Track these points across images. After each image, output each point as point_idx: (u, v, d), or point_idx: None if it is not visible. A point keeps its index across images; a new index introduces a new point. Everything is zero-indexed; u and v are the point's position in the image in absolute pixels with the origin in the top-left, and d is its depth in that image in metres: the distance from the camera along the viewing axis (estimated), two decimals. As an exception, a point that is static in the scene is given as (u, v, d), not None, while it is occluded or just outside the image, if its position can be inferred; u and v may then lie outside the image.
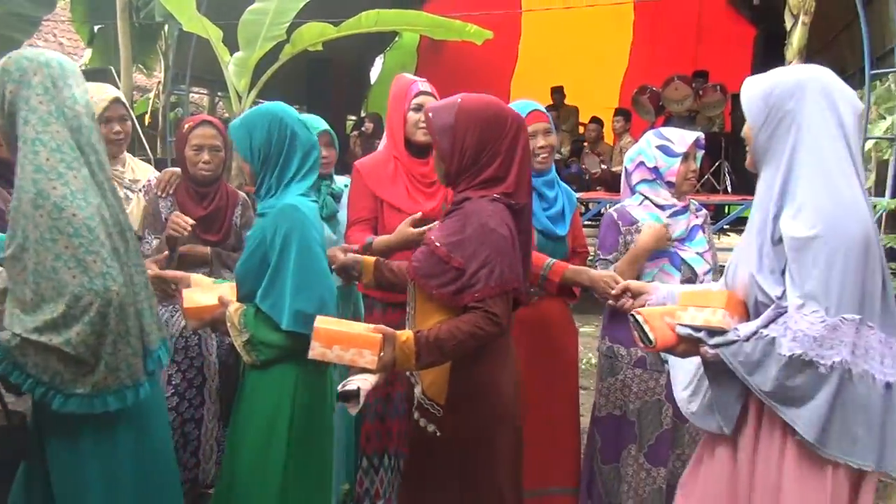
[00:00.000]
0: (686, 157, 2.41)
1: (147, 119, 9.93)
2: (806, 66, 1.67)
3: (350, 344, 1.70)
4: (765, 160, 1.63)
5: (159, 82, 10.22)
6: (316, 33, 6.35)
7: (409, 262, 1.92)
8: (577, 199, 2.79)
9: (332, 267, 2.13)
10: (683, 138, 2.43)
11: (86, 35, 9.11)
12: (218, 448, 2.61)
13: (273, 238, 1.96)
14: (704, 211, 2.55)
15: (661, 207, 2.43)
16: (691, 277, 2.40)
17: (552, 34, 11.18)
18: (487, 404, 1.86)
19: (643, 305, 1.89)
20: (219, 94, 10.04)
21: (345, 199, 2.72)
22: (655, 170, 2.42)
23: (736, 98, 9.28)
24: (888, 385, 1.51)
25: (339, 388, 1.78)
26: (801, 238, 1.51)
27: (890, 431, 1.53)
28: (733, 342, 1.58)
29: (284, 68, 6.67)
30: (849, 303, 1.49)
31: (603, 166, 8.34)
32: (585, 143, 9.09)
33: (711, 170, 8.14)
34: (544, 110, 2.52)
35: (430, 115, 1.89)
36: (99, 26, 8.73)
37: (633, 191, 2.51)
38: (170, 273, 2.26)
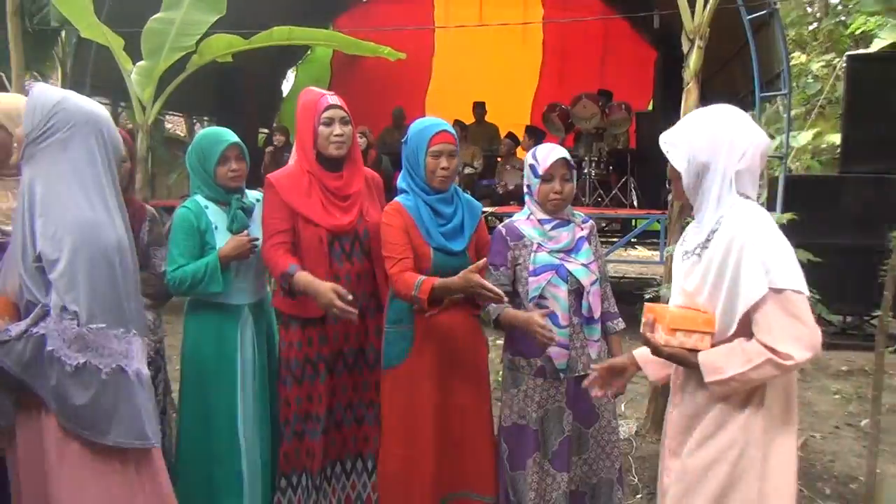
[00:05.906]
0: (550, 177, 2.42)
1: (42, 129, 9.38)
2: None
3: None
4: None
5: (56, 91, 9.68)
6: (224, 45, 6.16)
7: None
8: (492, 213, 2.82)
9: None
10: (546, 159, 2.42)
11: (-28, 40, 8.55)
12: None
13: None
14: (591, 222, 2.58)
15: (541, 222, 2.49)
16: (578, 288, 2.44)
17: (466, 51, 11.37)
18: None
19: None
20: (121, 103, 9.62)
21: (256, 214, 2.65)
22: (528, 187, 2.51)
23: (640, 116, 9.73)
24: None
25: None
26: (53, 259, 1.64)
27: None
28: (5, 342, 1.63)
29: (192, 79, 6.44)
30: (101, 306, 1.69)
31: (519, 181, 8.53)
32: (499, 158, 9.25)
33: (618, 185, 8.46)
34: (452, 131, 2.51)
35: None
36: (-13, 31, 8.20)
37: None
38: None
